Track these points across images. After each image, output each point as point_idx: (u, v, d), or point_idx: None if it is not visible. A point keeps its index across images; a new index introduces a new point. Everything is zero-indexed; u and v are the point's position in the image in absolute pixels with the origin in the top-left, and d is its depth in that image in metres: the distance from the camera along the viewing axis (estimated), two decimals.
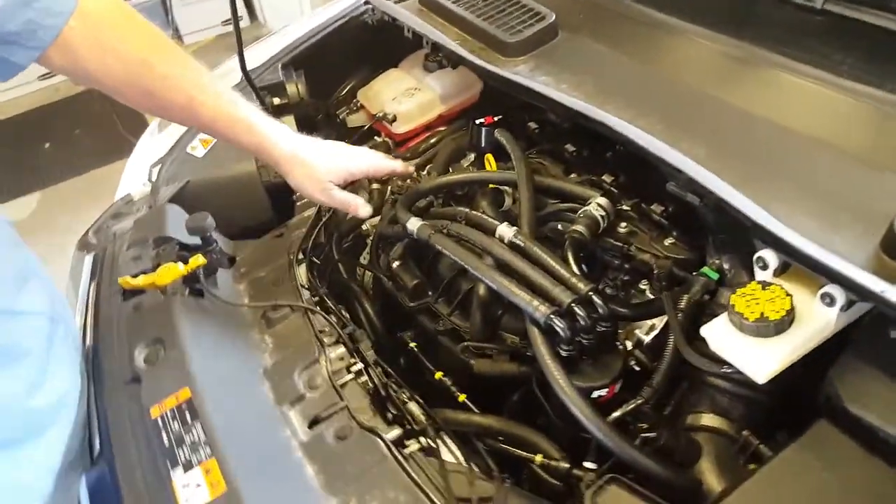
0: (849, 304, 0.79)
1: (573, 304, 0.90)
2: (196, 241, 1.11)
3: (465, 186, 1.24)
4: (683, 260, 1.05)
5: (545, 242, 1.05)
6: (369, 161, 1.13)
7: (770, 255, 0.84)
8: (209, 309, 1.06)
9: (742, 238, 0.93)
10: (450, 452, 0.92)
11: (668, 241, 1.07)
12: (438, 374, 1.12)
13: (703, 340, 0.92)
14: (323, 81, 1.63)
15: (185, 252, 1.11)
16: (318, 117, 1.62)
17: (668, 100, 1.10)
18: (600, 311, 0.91)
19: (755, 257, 0.86)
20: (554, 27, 1.26)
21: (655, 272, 1.03)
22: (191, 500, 0.77)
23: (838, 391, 0.80)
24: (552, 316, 0.89)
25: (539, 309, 0.90)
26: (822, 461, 0.77)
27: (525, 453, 0.95)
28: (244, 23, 4.23)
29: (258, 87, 1.44)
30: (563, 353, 0.91)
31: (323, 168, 1.06)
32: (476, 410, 1.05)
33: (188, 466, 0.81)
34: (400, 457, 0.85)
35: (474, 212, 1.11)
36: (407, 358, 1.20)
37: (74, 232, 1.29)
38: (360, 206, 1.12)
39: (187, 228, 1.10)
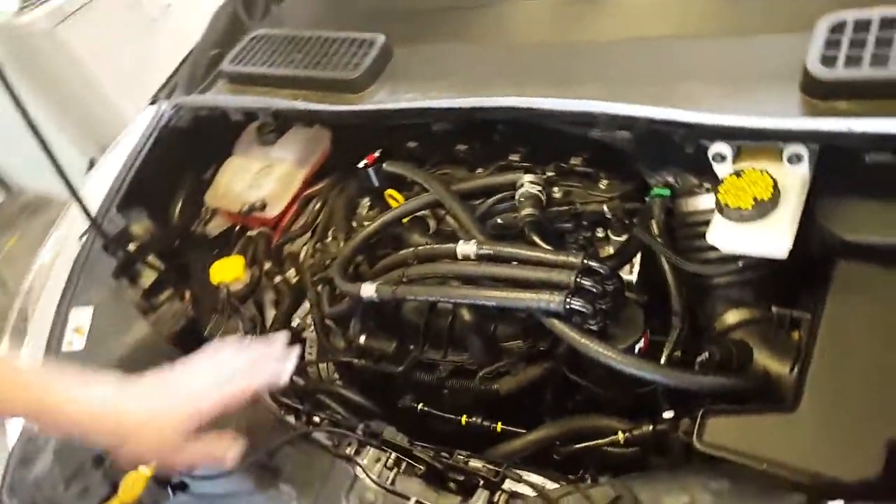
0: (813, 156, 0.83)
1: (578, 279, 0.87)
2: None
3: (386, 230, 1.17)
4: (627, 193, 1.06)
5: (501, 241, 1.02)
6: (228, 384, 0.79)
7: (724, 147, 0.87)
8: (205, 495, 0.91)
9: (672, 148, 0.96)
10: (531, 487, 0.86)
11: (603, 185, 1.08)
12: (464, 419, 1.05)
13: (687, 252, 0.95)
14: (164, 207, 1.47)
15: None
16: (176, 244, 1.46)
17: (532, 62, 1.12)
18: (602, 271, 0.89)
19: (711, 154, 0.88)
20: (387, 47, 1.23)
21: (610, 215, 1.03)
22: None
23: (834, 231, 0.84)
24: (568, 300, 0.86)
25: (553, 300, 0.86)
26: (862, 296, 0.81)
27: (603, 440, 0.91)
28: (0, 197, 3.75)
29: (105, 243, 1.27)
30: (594, 328, 0.88)
31: (163, 427, 0.75)
32: (522, 432, 1.00)
33: None
34: None
35: (423, 247, 1.05)
36: (417, 425, 1.11)
37: None
38: (227, 452, 0.79)
39: None
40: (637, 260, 1.04)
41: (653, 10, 1.09)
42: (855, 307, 0.81)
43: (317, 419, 1.01)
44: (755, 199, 0.81)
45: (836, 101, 0.82)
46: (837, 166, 0.85)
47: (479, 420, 1.03)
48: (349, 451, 0.92)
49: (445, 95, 1.06)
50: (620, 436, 0.89)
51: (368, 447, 0.92)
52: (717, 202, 0.83)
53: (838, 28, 0.86)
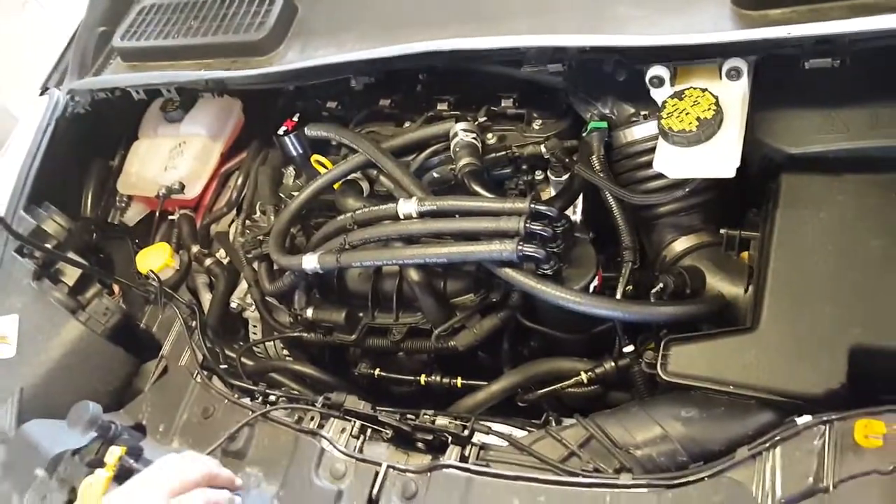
0: (751, 68, 0.82)
1: (528, 224, 0.85)
2: (91, 436, 0.89)
3: (317, 197, 1.11)
4: (563, 131, 1.04)
5: (440, 196, 0.98)
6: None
7: (661, 70, 0.85)
8: None
9: (605, 78, 0.93)
10: (502, 438, 0.85)
11: (537, 125, 1.06)
12: (423, 378, 1.03)
13: (630, 183, 0.94)
14: (74, 200, 1.36)
15: (90, 457, 0.88)
16: (94, 237, 1.36)
17: (447, 4, 1.06)
18: (551, 214, 0.87)
19: (648, 78, 0.86)
20: (290, 2, 1.15)
21: (547, 156, 1.01)
22: None
23: (775, 145, 0.84)
24: (521, 245, 0.83)
25: (506, 249, 0.84)
26: (810, 206, 0.82)
27: (566, 381, 0.91)
28: None
29: (17, 248, 1.16)
30: (549, 272, 0.86)
31: None
32: (483, 384, 0.98)
33: None
34: (481, 468, 0.77)
35: (360, 211, 1.00)
36: (375, 390, 1.09)
37: None
38: None
39: (78, 429, 0.86)
40: (580, 198, 1.02)
41: None
42: (805, 219, 0.82)
43: (273, 398, 0.97)
44: (698, 119, 0.79)
45: (769, 11, 0.80)
46: (773, 79, 0.85)
47: (438, 378, 1.01)
48: (312, 425, 0.88)
49: (361, 47, 1.00)
50: (584, 376, 0.89)
51: (331, 419, 0.88)
52: (661, 127, 0.82)
53: None
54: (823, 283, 0.77)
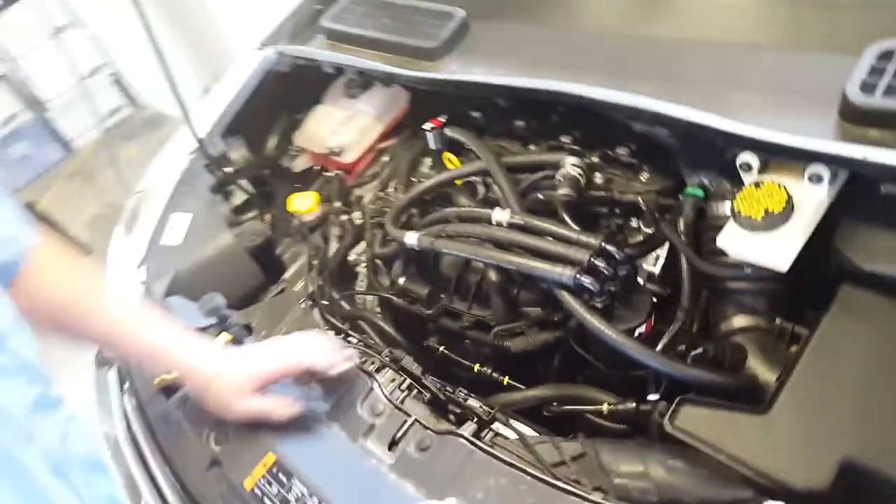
0: (834, 177, 0.88)
1: (593, 259, 0.96)
2: (212, 321, 1.12)
3: (439, 188, 1.29)
4: (665, 188, 1.12)
5: (536, 214, 1.11)
6: (287, 357, 0.94)
7: (751, 157, 0.93)
8: None
9: (712, 151, 1.01)
10: (514, 432, 0.96)
11: (644, 178, 1.15)
12: (476, 367, 1.16)
13: (710, 253, 1.01)
14: (258, 139, 1.64)
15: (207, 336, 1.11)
16: (267, 173, 1.63)
17: (597, 51, 1.18)
18: (617, 256, 0.97)
19: (739, 163, 0.94)
20: (465, 22, 1.32)
21: (644, 207, 1.10)
22: None
23: (849, 256, 0.89)
24: (579, 276, 0.95)
25: (565, 273, 0.96)
26: (858, 321, 0.86)
27: (588, 406, 1.00)
28: (128, 110, 4.12)
29: (207, 162, 1.45)
30: (599, 305, 0.97)
31: (230, 382, 0.91)
32: (523, 388, 1.10)
33: None
34: (485, 446, 0.89)
35: (464, 208, 1.16)
36: (437, 364, 1.24)
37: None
38: (275, 410, 0.93)
39: (203, 312, 1.10)
40: (663, 254, 1.11)
41: (722, 14, 1.13)
42: (849, 330, 0.86)
43: (352, 339, 1.15)
44: (766, 210, 0.86)
45: (869, 129, 0.85)
46: (860, 193, 0.89)
47: (489, 371, 1.14)
48: (371, 368, 1.05)
49: (509, 74, 1.14)
50: (605, 407, 0.98)
51: (388, 369, 1.05)
52: (732, 208, 0.89)
53: (886, 56, 0.88)
54: (842, 393, 0.81)
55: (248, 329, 1.19)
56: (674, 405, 0.87)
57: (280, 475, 0.88)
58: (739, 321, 1.00)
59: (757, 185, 0.90)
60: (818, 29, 1.06)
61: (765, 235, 0.87)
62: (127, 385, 1.12)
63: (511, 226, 1.08)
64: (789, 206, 0.86)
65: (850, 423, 0.79)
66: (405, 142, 1.52)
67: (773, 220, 0.86)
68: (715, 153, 1.01)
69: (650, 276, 1.11)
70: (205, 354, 0.93)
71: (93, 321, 0.90)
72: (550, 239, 1.02)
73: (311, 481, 0.86)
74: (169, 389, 1.04)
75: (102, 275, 0.98)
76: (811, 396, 0.83)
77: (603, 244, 0.98)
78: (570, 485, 0.83)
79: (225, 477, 0.90)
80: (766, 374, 0.94)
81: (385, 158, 1.53)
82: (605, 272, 0.96)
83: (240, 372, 0.91)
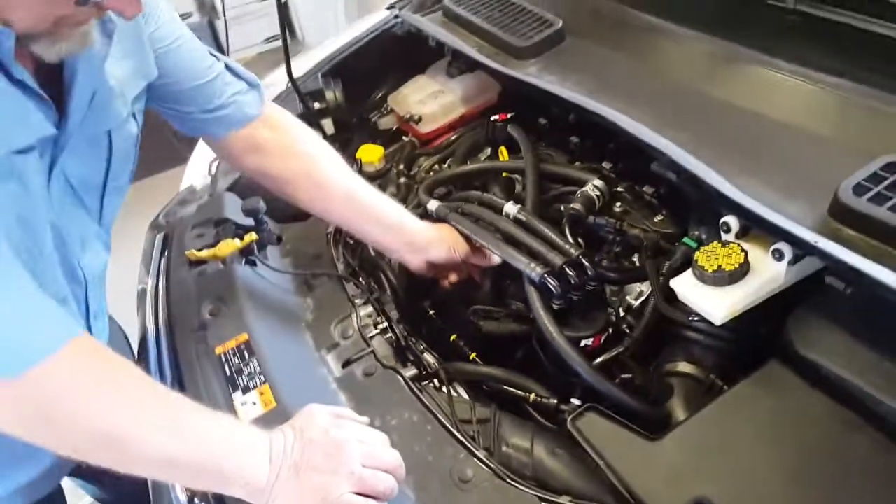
0: (796, 259, 0.93)
1: (564, 266, 1.06)
2: (250, 222, 1.31)
3: (479, 175, 1.41)
4: (669, 234, 1.20)
5: (549, 221, 1.21)
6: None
7: (732, 220, 0.99)
8: (261, 276, 1.25)
9: (714, 210, 1.08)
10: (457, 393, 1.09)
11: (657, 219, 1.23)
12: (453, 337, 1.29)
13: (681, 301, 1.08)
14: (357, 88, 1.82)
15: (241, 231, 1.30)
16: (353, 121, 1.81)
17: (659, 94, 1.26)
18: (588, 272, 1.07)
19: (721, 222, 1.01)
20: (561, 33, 1.43)
21: (644, 243, 1.18)
22: (249, 413, 0.96)
23: (790, 336, 0.94)
24: (545, 275, 1.05)
25: (535, 269, 1.06)
26: (770, 393, 0.92)
27: (520, 392, 1.11)
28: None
29: (302, 93, 1.64)
30: (556, 307, 1.07)
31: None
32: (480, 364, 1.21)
33: (246, 390, 1.00)
34: (415, 389, 1.02)
35: (486, 194, 1.28)
36: (427, 325, 1.37)
37: (137, 234, 1.48)
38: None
39: (242, 211, 1.29)
40: (647, 292, 1.18)
41: (778, 91, 1.17)
42: (759, 398, 0.92)
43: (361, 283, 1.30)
44: (719, 266, 0.93)
45: (844, 227, 0.88)
46: (828, 289, 0.93)
47: (461, 343, 1.26)
48: (358, 301, 1.21)
49: (574, 90, 1.24)
50: (531, 396, 1.08)
51: (370, 305, 1.20)
52: (693, 257, 0.97)
53: (891, 167, 0.92)
54: (728, 447, 0.88)
55: (279, 239, 1.38)
56: (582, 408, 0.96)
57: (245, 352, 1.05)
58: (681, 366, 1.07)
59: (724, 243, 0.96)
60: (857, 127, 1.09)
61: (710, 289, 0.94)
62: (167, 251, 1.33)
63: (515, 220, 1.19)
64: (742, 270, 0.92)
65: (721, 472, 0.86)
66: (475, 128, 1.65)
67: (722, 278, 0.93)
68: (716, 212, 1.07)
69: (629, 308, 1.19)
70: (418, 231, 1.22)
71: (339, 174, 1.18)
72: (539, 239, 1.12)
73: (266, 363, 1.03)
74: (192, 263, 1.23)
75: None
76: (700, 440, 0.90)
77: (580, 257, 1.07)
78: (465, 438, 0.94)
79: (205, 339, 1.09)
80: (680, 414, 1.01)
81: (453, 137, 1.66)
82: (572, 281, 1.05)
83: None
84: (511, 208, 1.20)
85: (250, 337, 1.08)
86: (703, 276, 0.94)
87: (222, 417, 0.81)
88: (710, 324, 1.02)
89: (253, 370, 1.02)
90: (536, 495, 0.85)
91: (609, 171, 1.33)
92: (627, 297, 1.20)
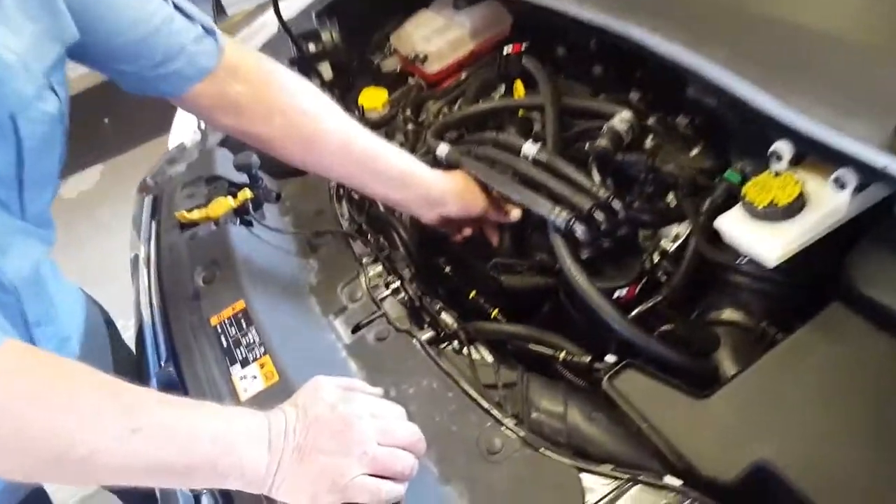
0: (860, 187, 0.81)
1: (592, 210, 0.94)
2: (244, 178, 1.20)
3: (493, 115, 1.29)
4: (708, 169, 1.07)
5: (573, 161, 1.09)
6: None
7: (784, 146, 0.86)
8: (258, 237, 1.15)
9: (761, 138, 0.95)
10: (479, 355, 0.99)
11: (693, 153, 1.10)
12: (471, 294, 1.18)
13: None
14: (356, 29, 1.68)
15: (234, 189, 1.20)
16: (353, 64, 1.68)
17: (690, 8, 1.11)
18: (620, 215, 0.95)
19: (770, 150, 0.88)
20: None
21: (679, 181, 1.06)
22: (249, 389, 0.87)
23: (852, 274, 0.83)
24: (572, 220, 0.94)
25: (560, 215, 0.95)
26: (833, 339, 0.81)
27: (549, 350, 1.00)
28: None
29: (294, 35, 1.51)
30: (584, 256, 0.96)
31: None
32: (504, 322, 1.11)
33: (245, 363, 0.90)
34: (433, 353, 0.92)
35: (501, 134, 1.16)
36: (443, 284, 1.26)
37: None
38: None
39: (234, 166, 1.18)
40: (684, 234, 1.06)
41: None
42: (822, 345, 0.81)
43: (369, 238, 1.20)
44: (772, 202, 0.81)
45: None
46: (888, 217, 0.82)
47: (481, 299, 1.16)
48: (367, 260, 1.10)
49: (594, 9, 1.10)
50: (561, 354, 0.97)
51: (379, 264, 1.09)
52: (740, 192, 0.85)
53: None
54: (788, 402, 0.77)
55: (277, 196, 1.27)
56: (619, 366, 0.86)
57: (242, 321, 0.96)
58: (726, 314, 0.96)
59: (776, 174, 0.84)
60: None
61: (762, 225, 0.82)
62: (157, 213, 1.23)
63: (535, 161, 1.07)
64: (798, 203, 0.81)
65: (781, 431, 0.75)
66: (486, 65, 1.52)
67: (776, 213, 0.81)
68: (764, 140, 0.95)
69: (664, 253, 1.07)
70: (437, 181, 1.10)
71: (333, 124, 1.03)
72: (563, 181, 1.01)
73: (266, 333, 0.93)
74: (183, 225, 1.13)
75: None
76: (756, 396, 0.80)
77: (610, 199, 0.96)
78: (490, 405, 0.85)
79: (199, 309, 0.99)
80: (729, 367, 0.90)
81: (463, 76, 1.53)
82: (602, 226, 0.94)
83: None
84: (530, 148, 1.08)
85: (247, 304, 0.98)
86: (753, 212, 0.83)
87: (206, 407, 0.69)
88: (760, 266, 0.91)
89: (252, 340, 0.93)
90: (574, 465, 0.75)
91: (638, 103, 1.20)
92: (662, 242, 1.08)
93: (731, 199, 1.00)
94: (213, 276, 1.04)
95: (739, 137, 1.03)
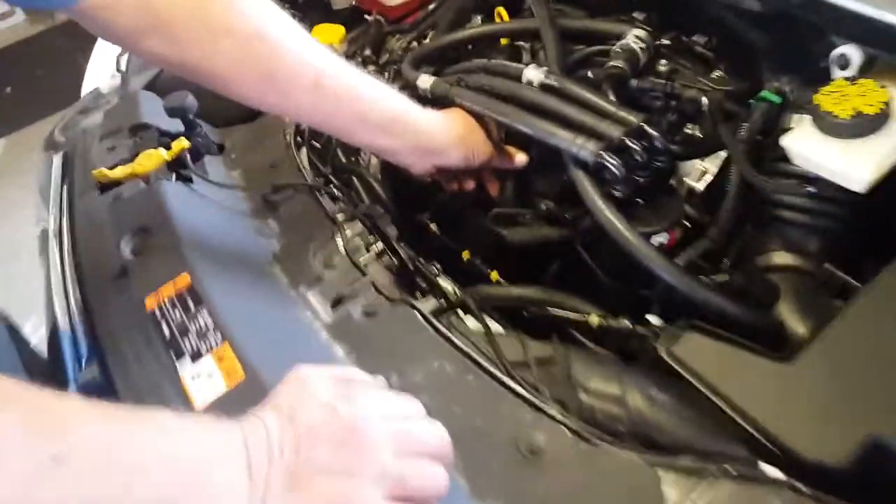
0: None
1: (625, 138, 0.77)
2: (177, 125, 0.98)
3: (477, 43, 1.09)
4: (735, 91, 0.91)
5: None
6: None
7: (852, 50, 0.71)
8: (201, 195, 0.93)
9: (804, 52, 0.80)
10: (479, 321, 0.81)
11: (715, 75, 0.93)
12: (466, 254, 1.00)
13: (769, 174, 0.81)
14: None
15: (166, 138, 0.97)
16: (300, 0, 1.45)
17: None
18: (656, 143, 0.78)
19: (834, 56, 0.72)
20: None
21: (705, 106, 0.89)
22: (204, 391, 0.66)
23: None
24: (603, 152, 0.76)
25: (586, 146, 0.77)
26: None
27: (576, 316, 0.83)
28: None
29: None
30: (618, 195, 0.78)
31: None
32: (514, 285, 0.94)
33: (196, 356, 0.69)
34: (440, 325, 0.74)
35: (493, 61, 0.96)
36: (428, 245, 1.07)
37: None
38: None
39: (166, 110, 0.96)
40: (713, 170, 0.91)
41: None
42: None
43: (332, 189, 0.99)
44: (856, 111, 0.65)
45: None
46: None
47: (478, 260, 0.98)
48: (341, 217, 0.90)
49: None
50: (595, 318, 0.80)
51: (357, 222, 0.90)
52: (812, 103, 0.69)
53: None
54: (889, 362, 0.62)
55: (220, 147, 1.05)
56: (676, 328, 0.70)
57: (188, 300, 0.74)
58: (780, 258, 0.80)
59: (852, 80, 0.68)
60: None
61: (845, 143, 0.66)
62: (68, 174, 0.99)
63: (543, 87, 0.88)
64: (886, 112, 0.65)
65: (890, 399, 0.60)
66: None
67: (862, 125, 0.65)
68: (807, 54, 0.79)
69: (690, 192, 0.92)
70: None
71: (300, 56, 0.79)
72: (581, 108, 0.83)
73: (221, 315, 0.72)
74: (103, 186, 0.90)
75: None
76: (851, 354, 0.64)
77: (643, 124, 0.78)
78: (526, 388, 0.67)
79: (129, 289, 0.77)
80: (795, 324, 0.74)
81: (431, 7, 1.32)
82: (637, 157, 0.77)
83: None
84: (534, 73, 0.89)
85: (194, 278, 0.76)
86: (832, 126, 0.67)
87: (155, 419, 0.49)
88: (813, 195, 0.76)
89: (204, 326, 0.71)
90: (648, 460, 0.58)
91: (643, 23, 1.02)
92: (687, 180, 0.92)
93: (770, 123, 0.85)
94: (144, 246, 0.82)
95: (775, 53, 0.87)
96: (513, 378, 0.68)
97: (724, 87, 0.92)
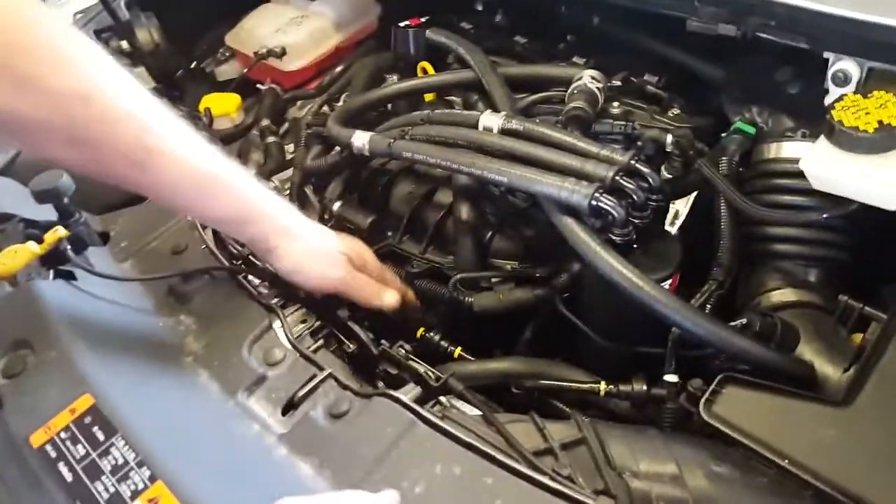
0: None
1: (619, 176, 0.67)
2: (50, 212, 0.77)
3: (407, 98, 0.98)
4: (699, 129, 0.86)
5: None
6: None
7: (851, 65, 0.66)
8: (89, 293, 0.72)
9: (771, 81, 0.77)
10: (475, 405, 0.66)
11: (671, 114, 0.88)
12: (420, 331, 0.85)
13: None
14: (180, 25, 1.30)
15: (35, 231, 0.77)
16: (178, 72, 1.29)
17: None
18: (650, 180, 0.69)
19: (832, 73, 0.68)
20: None
21: (671, 146, 0.82)
22: None
23: None
24: (598, 193, 0.66)
25: (578, 190, 0.66)
26: None
27: (579, 384, 0.71)
28: None
29: (98, 29, 1.10)
30: (616, 241, 0.68)
31: (339, 244, 0.77)
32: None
33: None
34: (433, 418, 0.58)
35: (438, 111, 0.86)
36: (369, 318, 0.92)
37: None
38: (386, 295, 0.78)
39: (34, 194, 0.75)
40: (684, 210, 0.84)
41: None
42: None
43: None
44: (881, 122, 0.60)
45: None
46: None
47: (436, 337, 0.83)
48: (274, 302, 0.73)
49: None
50: (603, 386, 0.68)
51: (298, 307, 0.73)
52: (829, 121, 0.63)
53: None
54: None
55: (104, 237, 0.85)
56: (714, 384, 0.59)
57: (95, 429, 0.53)
58: (785, 295, 0.74)
59: (864, 93, 0.64)
60: None
61: (873, 159, 0.61)
62: None
63: (505, 132, 0.78)
64: None
65: None
66: (366, 54, 1.21)
67: (892, 137, 0.59)
68: (777, 85, 0.76)
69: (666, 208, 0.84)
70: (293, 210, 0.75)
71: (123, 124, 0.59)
72: (556, 150, 0.73)
73: (145, 443, 0.52)
74: None
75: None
76: None
77: (634, 162, 0.69)
78: (558, 482, 0.52)
79: (5, 424, 0.55)
80: (824, 364, 0.67)
81: (336, 69, 1.21)
82: (634, 196, 0.67)
83: (347, 241, 0.78)
84: (492, 119, 0.79)
85: (99, 399, 0.56)
86: (857, 142, 0.61)
87: None
88: (807, 225, 0.71)
89: (122, 461, 0.51)
90: None
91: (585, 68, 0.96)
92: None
93: (747, 155, 0.81)
94: (22, 365, 0.60)
95: (735, 83, 0.84)
96: (540, 471, 0.53)
97: (684, 124, 0.87)
